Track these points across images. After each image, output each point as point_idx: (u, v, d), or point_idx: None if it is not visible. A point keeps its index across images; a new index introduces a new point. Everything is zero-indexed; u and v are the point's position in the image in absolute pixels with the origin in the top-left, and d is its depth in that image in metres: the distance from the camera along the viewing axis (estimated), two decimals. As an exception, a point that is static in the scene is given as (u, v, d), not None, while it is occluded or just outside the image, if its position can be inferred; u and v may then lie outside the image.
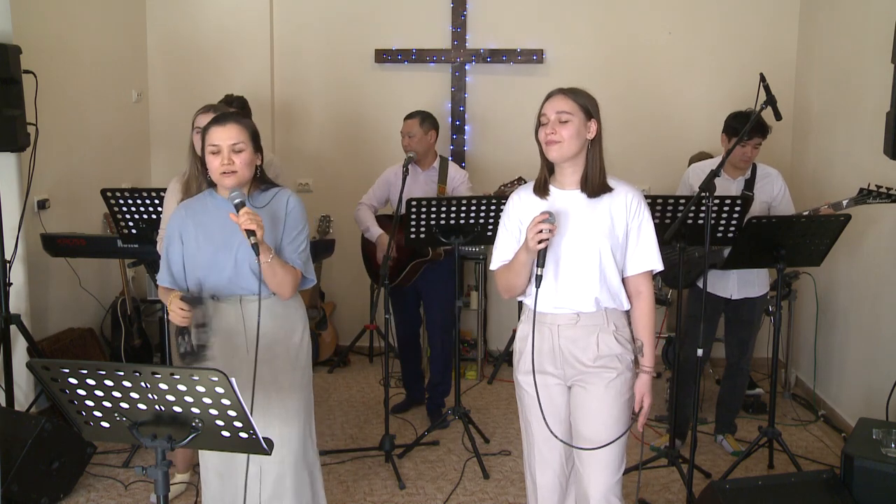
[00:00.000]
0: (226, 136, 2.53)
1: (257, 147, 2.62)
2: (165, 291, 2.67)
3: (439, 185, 4.40)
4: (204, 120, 3.01)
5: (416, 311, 4.62)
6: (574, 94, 2.42)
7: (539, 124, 2.44)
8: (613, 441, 2.43)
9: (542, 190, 2.48)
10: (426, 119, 4.37)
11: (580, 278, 2.43)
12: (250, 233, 2.39)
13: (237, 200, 2.44)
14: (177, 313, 2.51)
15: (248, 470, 2.57)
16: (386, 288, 4.11)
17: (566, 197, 2.46)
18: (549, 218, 2.31)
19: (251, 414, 2.27)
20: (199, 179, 3.02)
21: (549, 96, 2.45)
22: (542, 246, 2.32)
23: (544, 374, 2.50)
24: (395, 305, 4.52)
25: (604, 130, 2.46)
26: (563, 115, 2.38)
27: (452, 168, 4.49)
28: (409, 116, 4.40)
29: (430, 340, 4.64)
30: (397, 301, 4.52)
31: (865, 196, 3.53)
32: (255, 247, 2.41)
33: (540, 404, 2.44)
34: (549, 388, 2.50)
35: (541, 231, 2.30)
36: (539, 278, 2.35)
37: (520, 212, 2.51)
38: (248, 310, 2.59)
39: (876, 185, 3.51)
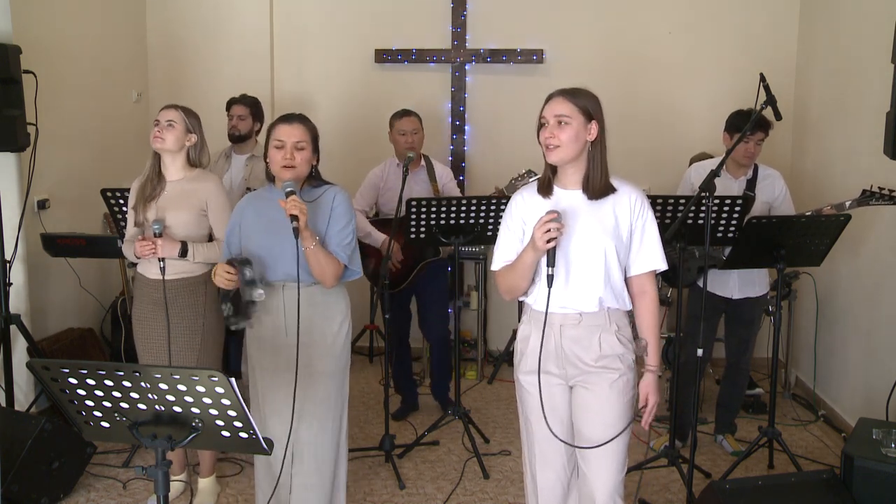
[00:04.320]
0: (291, 133, 2.83)
1: (316, 148, 2.92)
2: None
3: (432, 184, 4.39)
4: (164, 114, 3.28)
5: (405, 311, 4.57)
6: (574, 95, 2.41)
7: (540, 126, 2.44)
8: (614, 438, 2.43)
9: (545, 190, 2.48)
10: (418, 116, 4.38)
11: (585, 278, 2.43)
12: (293, 218, 2.63)
13: (288, 189, 2.71)
14: (221, 276, 2.75)
15: (286, 448, 2.85)
16: (385, 290, 4.06)
17: (570, 197, 2.46)
18: (557, 217, 2.31)
19: (294, 397, 2.65)
20: (154, 182, 3.26)
21: (549, 98, 2.44)
22: (550, 245, 2.32)
23: (546, 374, 2.49)
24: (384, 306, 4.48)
25: (605, 130, 2.45)
26: (562, 118, 2.37)
27: (438, 166, 4.48)
28: (408, 114, 4.35)
29: (427, 337, 4.61)
30: (390, 301, 4.46)
31: (868, 198, 3.53)
32: (296, 230, 2.63)
33: (542, 404, 2.44)
34: (551, 387, 2.50)
35: (549, 230, 2.29)
36: (551, 278, 2.35)
37: (523, 212, 2.51)
38: (289, 296, 2.82)
39: (878, 187, 3.52)
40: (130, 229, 3.36)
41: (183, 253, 3.18)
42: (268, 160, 2.87)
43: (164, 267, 3.12)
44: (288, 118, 2.88)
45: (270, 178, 2.92)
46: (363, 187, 4.47)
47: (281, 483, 2.92)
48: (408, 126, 4.32)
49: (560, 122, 2.37)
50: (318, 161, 2.94)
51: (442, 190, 4.39)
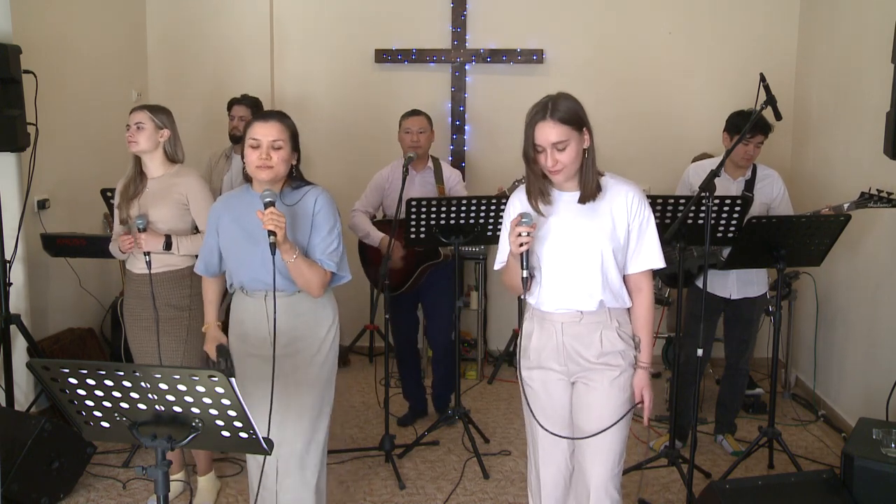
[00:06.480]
0: (267, 132, 2.67)
1: (295, 146, 2.76)
2: (206, 293, 3.01)
3: (438, 186, 4.34)
4: (132, 118, 3.28)
5: (413, 315, 4.53)
6: (559, 114, 2.33)
7: (534, 151, 2.39)
8: (612, 426, 2.44)
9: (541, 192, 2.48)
10: (429, 117, 4.33)
11: (583, 280, 2.44)
12: (270, 232, 2.50)
13: (267, 199, 2.54)
14: (209, 349, 2.91)
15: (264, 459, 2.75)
16: (386, 294, 4.03)
17: (567, 199, 2.47)
18: (525, 219, 2.32)
19: (270, 405, 2.48)
20: (137, 181, 3.31)
21: (535, 122, 2.36)
22: (523, 249, 2.34)
23: (548, 369, 2.52)
24: (392, 310, 4.45)
25: (603, 130, 2.46)
26: (559, 144, 2.35)
27: (446, 168, 4.44)
28: (416, 113, 4.30)
29: (431, 342, 4.55)
30: (394, 306, 4.39)
31: (867, 200, 3.53)
32: (273, 246, 2.51)
33: (528, 403, 2.44)
34: (550, 382, 2.52)
35: (519, 234, 2.31)
36: (525, 280, 2.38)
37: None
38: (272, 305, 2.68)
39: (877, 190, 3.52)
40: (116, 228, 3.41)
41: (167, 246, 3.22)
42: (244, 160, 2.72)
43: (149, 261, 3.17)
44: (264, 116, 2.74)
45: (248, 178, 2.77)
46: (368, 189, 4.38)
47: (266, 497, 2.81)
48: (413, 125, 4.27)
49: (558, 148, 2.35)
50: (298, 160, 2.79)
51: (449, 192, 4.34)
